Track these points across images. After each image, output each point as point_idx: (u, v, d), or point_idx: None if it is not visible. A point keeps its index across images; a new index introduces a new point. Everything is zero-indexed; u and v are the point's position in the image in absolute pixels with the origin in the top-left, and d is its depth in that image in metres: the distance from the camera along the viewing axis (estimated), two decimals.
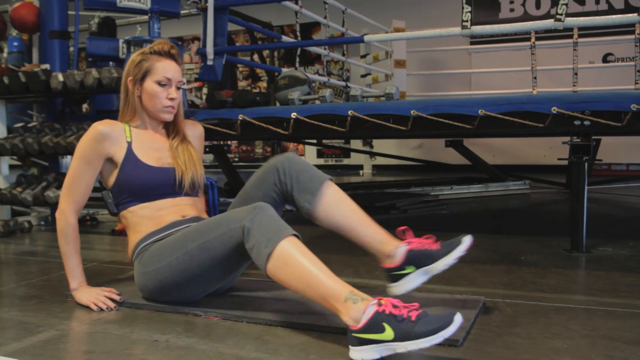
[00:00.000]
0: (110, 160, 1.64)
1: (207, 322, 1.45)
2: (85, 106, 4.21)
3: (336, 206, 1.52)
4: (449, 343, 1.24)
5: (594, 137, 2.23)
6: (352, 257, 2.17)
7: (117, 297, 1.60)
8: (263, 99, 3.19)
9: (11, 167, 3.31)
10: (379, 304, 1.16)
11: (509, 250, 2.34)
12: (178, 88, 1.69)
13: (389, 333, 1.13)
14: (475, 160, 4.79)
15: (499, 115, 2.30)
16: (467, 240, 1.44)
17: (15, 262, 2.30)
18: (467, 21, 2.75)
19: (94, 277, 1.94)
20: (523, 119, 2.28)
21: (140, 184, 1.62)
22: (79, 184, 1.63)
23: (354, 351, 1.17)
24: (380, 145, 7.28)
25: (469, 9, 2.74)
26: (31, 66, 3.41)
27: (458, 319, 1.12)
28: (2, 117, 3.18)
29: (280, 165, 1.54)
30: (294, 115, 2.63)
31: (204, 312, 1.50)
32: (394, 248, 1.48)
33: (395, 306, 1.16)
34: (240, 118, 2.75)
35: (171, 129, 1.75)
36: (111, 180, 1.66)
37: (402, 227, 1.51)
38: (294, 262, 1.27)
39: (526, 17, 7.08)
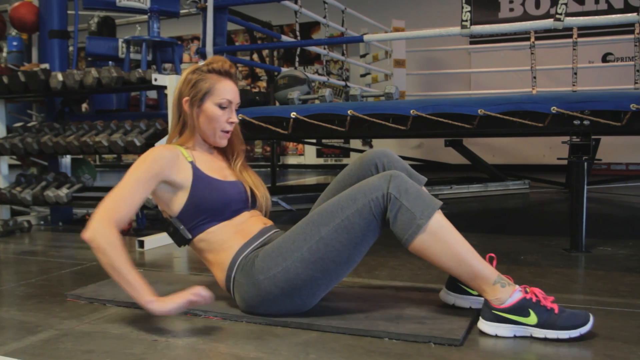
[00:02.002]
0: (171, 185, 1.50)
1: (207, 321, 1.45)
2: (84, 106, 4.22)
3: None
4: (449, 342, 1.25)
5: (593, 137, 2.23)
6: None
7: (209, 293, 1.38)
8: (262, 98, 3.20)
9: (10, 166, 3.31)
10: (525, 292, 1.29)
11: (509, 249, 2.34)
12: (236, 110, 1.61)
13: (532, 319, 1.26)
14: (474, 160, 4.79)
15: (498, 115, 2.30)
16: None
17: (14, 262, 2.30)
18: (466, 21, 2.75)
19: (94, 277, 1.94)
20: (523, 118, 2.28)
21: (216, 200, 1.50)
22: (130, 202, 1.44)
23: (489, 326, 1.30)
24: (380, 144, 7.27)
25: (469, 8, 2.74)
26: (30, 66, 3.40)
27: (592, 319, 1.26)
28: (2, 116, 3.18)
29: (378, 160, 1.50)
30: (293, 114, 2.63)
31: (203, 312, 1.49)
32: None
33: (540, 296, 1.28)
34: (240, 118, 2.74)
35: (229, 151, 1.66)
36: (178, 205, 1.51)
37: (491, 254, 1.46)
38: (447, 238, 1.30)
39: (526, 16, 7.09)
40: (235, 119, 1.59)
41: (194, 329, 1.39)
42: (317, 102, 2.94)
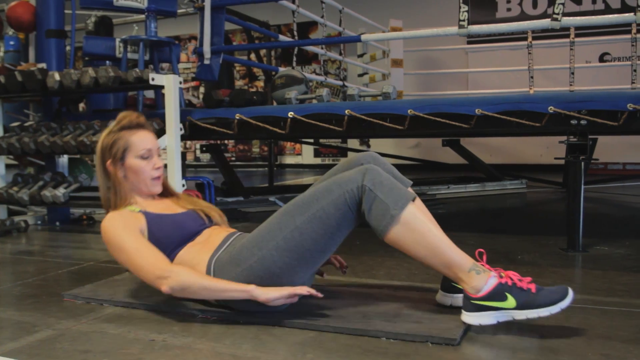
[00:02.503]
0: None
1: (204, 321, 1.45)
2: (81, 105, 4.20)
3: None
4: (446, 342, 1.25)
5: (590, 137, 2.23)
6: (350, 257, 2.16)
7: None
8: (260, 98, 3.19)
9: (8, 166, 3.30)
10: (500, 276, 1.30)
11: (506, 249, 2.34)
12: (159, 155, 1.65)
13: (510, 302, 1.27)
14: (472, 160, 4.80)
15: (496, 115, 2.31)
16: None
17: (11, 262, 2.29)
18: (464, 20, 2.75)
19: (91, 277, 1.94)
20: (520, 118, 2.29)
21: (175, 231, 1.54)
22: (152, 249, 1.46)
23: (471, 316, 1.30)
24: (377, 144, 7.29)
25: (466, 8, 2.75)
26: (27, 65, 3.39)
27: (571, 293, 1.26)
28: None
29: (365, 162, 1.51)
30: (291, 114, 2.63)
31: (200, 312, 1.49)
32: None
33: (515, 279, 1.29)
34: (237, 117, 2.74)
35: (168, 194, 1.72)
36: None
37: (480, 249, 1.44)
38: (421, 228, 1.31)
39: (523, 16, 7.10)
40: (160, 163, 1.64)
41: (191, 329, 1.39)
42: (314, 101, 2.94)
